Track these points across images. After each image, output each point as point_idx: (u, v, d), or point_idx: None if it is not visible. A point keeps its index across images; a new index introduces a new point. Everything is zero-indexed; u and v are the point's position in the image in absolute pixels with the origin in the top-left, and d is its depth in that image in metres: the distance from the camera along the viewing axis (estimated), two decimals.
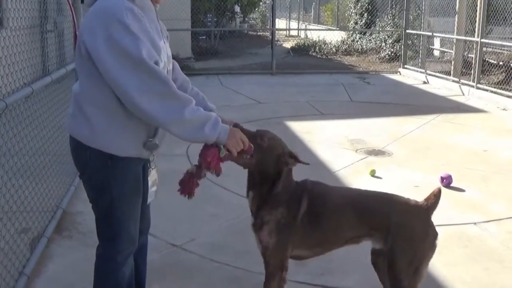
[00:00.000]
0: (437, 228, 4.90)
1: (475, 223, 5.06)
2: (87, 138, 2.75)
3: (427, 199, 3.20)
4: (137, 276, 3.32)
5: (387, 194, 3.31)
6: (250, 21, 27.06)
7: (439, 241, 4.65)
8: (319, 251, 3.27)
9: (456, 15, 13.01)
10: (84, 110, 2.72)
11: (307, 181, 3.23)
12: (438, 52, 15.29)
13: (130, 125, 2.73)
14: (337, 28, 20.97)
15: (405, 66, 14.82)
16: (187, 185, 2.90)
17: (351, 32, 20.06)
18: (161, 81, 2.55)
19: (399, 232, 3.07)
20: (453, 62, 13.09)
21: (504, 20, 11.98)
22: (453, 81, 12.54)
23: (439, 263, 4.30)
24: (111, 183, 2.81)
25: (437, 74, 13.33)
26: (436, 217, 5.11)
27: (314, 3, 27.63)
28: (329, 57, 18.27)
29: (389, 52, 16.76)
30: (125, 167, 2.81)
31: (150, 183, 2.99)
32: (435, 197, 3.19)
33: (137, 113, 2.61)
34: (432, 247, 3.15)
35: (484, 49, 12.08)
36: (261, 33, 27.10)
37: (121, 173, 2.82)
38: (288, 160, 3.02)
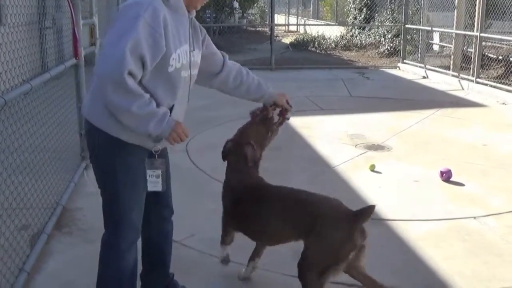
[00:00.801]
0: (436, 222, 4.96)
1: (474, 217, 5.07)
2: (97, 121, 2.91)
3: (360, 211, 3.19)
4: (162, 262, 3.54)
5: (319, 196, 3.38)
6: (249, 17, 27.02)
7: (439, 235, 4.72)
8: (260, 242, 3.77)
9: (455, 10, 13.00)
10: (97, 94, 2.85)
11: (245, 176, 3.63)
12: (438, 46, 15.28)
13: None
14: (336, 23, 20.93)
15: (405, 61, 14.81)
16: None
17: (350, 27, 20.04)
18: (120, 71, 2.62)
19: (320, 235, 3.18)
20: (452, 57, 13.08)
21: (503, 14, 11.98)
22: (453, 75, 12.54)
23: (438, 257, 4.32)
24: (116, 168, 2.96)
25: (437, 68, 13.33)
26: (436, 211, 5.16)
27: None
28: (328, 52, 18.25)
29: (388, 47, 16.74)
30: (130, 153, 2.96)
31: (150, 172, 3.03)
32: (367, 213, 3.17)
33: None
34: (345, 256, 3.18)
35: (484, 43, 12.08)
36: (260, 29, 27.07)
37: (126, 159, 2.96)
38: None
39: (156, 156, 3.02)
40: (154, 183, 3.05)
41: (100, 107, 2.86)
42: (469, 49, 12.88)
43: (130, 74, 2.66)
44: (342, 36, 19.46)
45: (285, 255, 4.25)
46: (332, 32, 19.34)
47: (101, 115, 2.88)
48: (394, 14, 17.31)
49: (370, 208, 3.18)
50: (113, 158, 2.96)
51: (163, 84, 2.86)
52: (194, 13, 3.08)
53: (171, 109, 2.92)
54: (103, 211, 3.13)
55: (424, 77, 13.35)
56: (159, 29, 2.74)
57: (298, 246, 4.38)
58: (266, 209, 3.45)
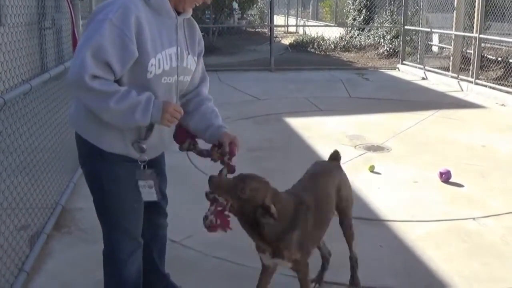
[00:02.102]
0: (436, 223, 4.96)
1: (474, 218, 5.07)
2: (82, 129, 2.85)
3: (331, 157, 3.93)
4: (157, 266, 3.46)
5: (330, 162, 3.90)
6: (248, 18, 27.03)
7: (438, 235, 4.72)
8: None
9: (455, 11, 13.00)
10: (79, 105, 2.81)
11: (299, 195, 3.32)
12: (437, 48, 15.29)
13: (115, 125, 2.75)
14: (336, 25, 20.93)
15: (404, 62, 14.81)
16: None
17: (350, 28, 20.05)
18: (81, 77, 2.52)
19: (346, 183, 3.78)
20: (451, 58, 13.09)
21: (502, 16, 11.99)
22: (452, 77, 12.54)
23: (437, 258, 4.32)
24: (102, 178, 2.88)
25: (436, 70, 13.33)
26: (435, 212, 5.16)
27: (312, 0, 27.62)
28: (327, 53, 18.25)
29: (388, 48, 16.74)
30: (115, 162, 2.85)
31: (142, 182, 2.91)
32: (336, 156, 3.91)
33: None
34: None
35: (483, 45, 12.08)
36: (259, 30, 27.07)
37: (111, 168, 2.86)
38: (264, 215, 2.93)
39: (145, 167, 2.90)
40: (148, 194, 2.94)
41: (81, 115, 2.81)
42: (468, 51, 12.89)
43: (95, 77, 2.55)
44: (342, 37, 19.45)
45: None
46: (332, 33, 19.34)
47: (82, 123, 2.83)
48: (394, 16, 17.32)
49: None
50: (98, 168, 2.87)
51: (141, 91, 2.69)
52: (187, 15, 2.90)
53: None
54: (99, 221, 3.06)
55: (423, 78, 13.35)
56: (129, 33, 2.58)
57: None
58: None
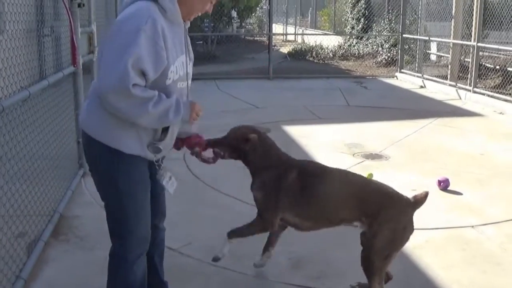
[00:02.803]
0: (434, 231, 4.96)
1: (472, 226, 5.06)
2: (96, 133, 2.91)
3: (415, 197, 3.60)
4: (154, 273, 3.46)
5: (383, 186, 3.69)
6: (247, 26, 27.07)
7: (436, 243, 4.71)
8: (312, 225, 3.70)
9: (453, 20, 13.03)
10: (96, 106, 2.88)
11: (297, 161, 3.76)
12: (435, 56, 15.32)
13: (135, 128, 2.87)
14: (334, 33, 20.97)
15: (402, 70, 14.84)
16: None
17: (348, 37, 20.09)
18: (125, 86, 2.64)
19: (387, 221, 3.46)
20: (449, 66, 13.12)
21: (500, 24, 12.02)
22: (450, 85, 12.56)
23: (436, 266, 4.31)
24: (118, 179, 2.95)
25: (434, 78, 13.35)
26: (434, 220, 5.15)
27: (311, 8, 27.67)
28: (326, 62, 18.28)
29: (386, 57, 16.77)
30: (131, 164, 2.94)
31: (163, 182, 3.15)
32: (422, 199, 3.60)
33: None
34: (406, 240, 3.58)
35: (481, 53, 12.12)
36: (258, 38, 27.11)
37: (126, 170, 2.94)
38: (246, 143, 3.60)
39: (160, 166, 3.09)
40: (171, 184, 3.21)
41: (97, 118, 2.88)
42: (466, 59, 12.92)
43: (135, 85, 2.67)
44: (340, 46, 19.49)
45: (283, 264, 4.26)
46: (330, 41, 19.38)
47: (99, 126, 2.89)
48: (392, 24, 17.36)
49: (425, 194, 3.61)
50: (114, 170, 2.94)
51: None
52: (188, 24, 3.09)
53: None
54: (108, 223, 3.10)
55: (421, 87, 13.37)
56: (160, 41, 2.73)
57: (295, 255, 4.39)
58: (337, 188, 3.63)
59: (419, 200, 3.59)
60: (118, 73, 2.63)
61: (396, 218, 3.51)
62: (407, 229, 3.53)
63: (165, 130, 2.97)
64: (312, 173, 3.64)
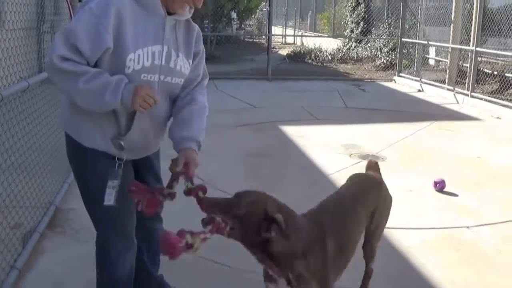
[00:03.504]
0: (430, 231, 4.97)
1: (468, 227, 5.07)
2: (65, 125, 2.88)
3: (375, 170, 3.76)
4: (146, 271, 3.38)
5: (370, 177, 3.65)
6: (246, 28, 27.10)
7: (432, 243, 4.72)
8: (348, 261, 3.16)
9: (452, 24, 13.07)
10: (64, 99, 2.86)
11: (321, 217, 2.96)
12: (433, 61, 15.35)
13: (100, 119, 2.74)
14: (333, 36, 20.99)
15: (400, 74, 14.86)
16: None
17: (347, 40, 20.11)
18: (51, 58, 2.55)
19: (384, 208, 3.53)
20: (448, 71, 13.14)
21: (499, 31, 12.05)
22: (448, 89, 12.58)
23: (431, 265, 4.32)
24: (87, 174, 2.87)
25: (432, 82, 13.38)
26: (429, 220, 5.17)
27: (310, 11, 27.71)
28: (324, 64, 18.29)
29: (385, 61, 16.79)
30: (96, 158, 2.82)
31: (110, 183, 2.78)
32: (376, 166, 3.75)
33: None
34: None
35: (479, 59, 12.14)
36: (257, 40, 27.14)
37: (92, 164, 2.84)
38: (268, 229, 2.51)
39: (121, 166, 2.81)
40: (108, 195, 2.76)
41: (66, 111, 2.84)
42: (464, 64, 12.95)
43: (66, 59, 2.54)
44: (339, 49, 19.52)
45: None
46: (329, 44, 19.40)
47: (67, 119, 2.85)
48: (391, 28, 17.38)
49: (372, 164, 3.75)
50: (82, 164, 2.88)
51: None
52: (182, 17, 2.84)
53: (133, 113, 2.75)
54: (90, 218, 3.04)
55: (419, 91, 13.39)
56: (105, 22, 2.55)
57: None
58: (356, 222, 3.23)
59: (374, 167, 3.76)
60: (52, 46, 2.59)
61: (389, 200, 3.64)
62: (388, 198, 3.64)
63: (128, 123, 2.77)
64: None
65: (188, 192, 2.70)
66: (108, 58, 2.63)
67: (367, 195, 3.42)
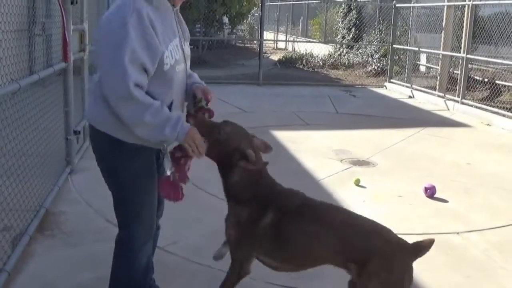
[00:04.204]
0: (420, 236, 4.96)
1: (457, 233, 5.10)
2: (102, 125, 2.93)
3: (417, 245, 3.00)
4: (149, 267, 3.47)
5: (376, 226, 3.07)
6: (238, 33, 27.12)
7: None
8: (288, 267, 3.22)
9: (443, 31, 13.14)
10: (99, 98, 2.88)
11: (283, 192, 3.14)
12: (424, 67, 15.42)
13: None
14: (324, 42, 21.05)
15: (391, 80, 14.93)
16: (171, 188, 3.06)
17: (338, 46, 20.17)
18: (125, 85, 2.63)
19: (379, 271, 2.87)
20: (438, 78, 13.20)
21: (489, 38, 12.12)
22: (438, 96, 12.65)
23: (420, 270, 4.30)
24: (119, 169, 3.00)
25: (423, 89, 13.44)
26: (419, 226, 5.18)
27: (302, 17, 27.77)
28: (315, 70, 18.34)
29: (376, 67, 16.87)
30: (133, 153, 2.95)
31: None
32: (427, 246, 2.99)
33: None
34: None
35: (470, 66, 12.21)
36: (248, 45, 27.17)
37: (129, 159, 2.97)
38: (240, 159, 2.97)
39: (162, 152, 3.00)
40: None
41: (103, 111, 2.87)
42: (455, 71, 13.01)
43: (137, 85, 2.66)
44: (330, 55, 19.56)
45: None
46: (320, 50, 19.44)
47: (105, 119, 2.90)
48: (382, 35, 17.46)
49: (430, 242, 3.00)
50: (119, 161, 2.98)
51: (159, 82, 2.83)
52: (177, 7, 3.07)
53: (170, 104, 2.93)
54: (115, 212, 3.15)
55: (410, 97, 13.45)
56: (148, 31, 2.71)
57: None
58: (313, 237, 3.03)
59: (423, 247, 2.98)
60: (117, 74, 2.64)
61: (390, 268, 2.89)
62: (405, 280, 2.90)
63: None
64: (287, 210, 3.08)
65: (197, 109, 3.07)
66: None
67: (353, 235, 3.01)
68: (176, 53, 2.92)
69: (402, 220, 5.37)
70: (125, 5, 2.72)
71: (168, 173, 2.98)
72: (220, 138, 2.98)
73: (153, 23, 2.76)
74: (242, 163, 2.95)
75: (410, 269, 2.93)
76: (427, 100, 12.83)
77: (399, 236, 3.05)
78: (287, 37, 27.80)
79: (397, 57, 15.52)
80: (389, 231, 3.02)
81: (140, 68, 2.67)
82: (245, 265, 3.16)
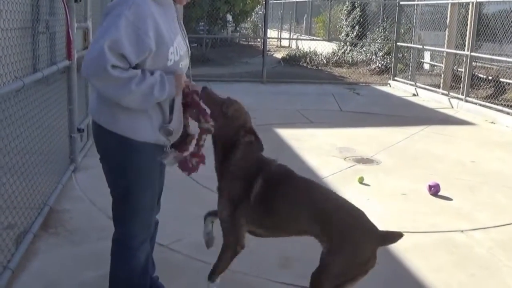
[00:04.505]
0: (424, 234, 4.97)
1: (462, 231, 5.08)
2: (108, 123, 2.92)
3: (386, 234, 3.19)
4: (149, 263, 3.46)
5: (353, 208, 3.23)
6: (241, 31, 27.12)
7: (426, 247, 4.73)
8: (272, 232, 3.37)
9: (447, 29, 13.10)
10: (105, 102, 2.89)
11: (270, 163, 3.29)
12: (428, 65, 15.39)
13: (148, 111, 2.89)
14: (328, 39, 21.02)
15: (395, 78, 14.90)
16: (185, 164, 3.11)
17: (342, 44, 20.15)
18: (102, 66, 2.64)
19: (344, 248, 3.05)
20: (442, 75, 13.17)
21: (493, 36, 12.09)
22: (442, 94, 12.62)
23: (425, 269, 4.32)
24: (127, 168, 2.99)
25: (427, 86, 13.41)
26: (424, 224, 5.17)
27: (306, 15, 27.74)
28: (319, 68, 18.33)
29: (380, 65, 16.84)
30: (142, 152, 2.97)
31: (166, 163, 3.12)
32: (395, 238, 3.17)
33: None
34: (364, 274, 3.10)
35: (474, 63, 12.18)
36: (252, 43, 27.17)
37: (137, 159, 2.97)
38: (245, 135, 3.16)
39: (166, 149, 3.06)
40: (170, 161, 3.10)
41: (107, 108, 2.89)
42: (459, 69, 12.99)
43: (114, 66, 2.66)
44: (334, 53, 19.54)
45: (272, 262, 4.27)
46: (324, 48, 19.42)
47: (110, 117, 2.90)
48: (386, 32, 17.43)
49: (399, 235, 3.15)
50: (125, 159, 2.97)
51: None
52: (183, 4, 3.12)
53: (173, 101, 2.97)
54: (113, 210, 3.14)
55: (414, 95, 13.43)
56: (143, 26, 2.72)
57: (284, 253, 4.40)
58: (298, 196, 3.23)
59: (391, 239, 3.21)
60: (94, 55, 2.65)
61: (357, 249, 3.07)
62: (368, 263, 3.08)
63: (171, 110, 2.98)
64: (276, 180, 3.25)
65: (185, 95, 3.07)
66: (150, 57, 2.80)
67: (329, 211, 3.17)
68: (181, 49, 2.96)
69: (406, 218, 5.36)
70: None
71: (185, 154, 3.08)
72: (227, 115, 3.12)
73: (156, 20, 2.79)
74: (247, 138, 3.14)
75: (374, 254, 3.10)
76: (431, 98, 12.81)
77: (377, 225, 3.18)
78: (291, 35, 27.76)
79: (401, 55, 15.50)
80: (363, 214, 3.19)
81: (119, 56, 2.67)
82: (241, 239, 3.26)
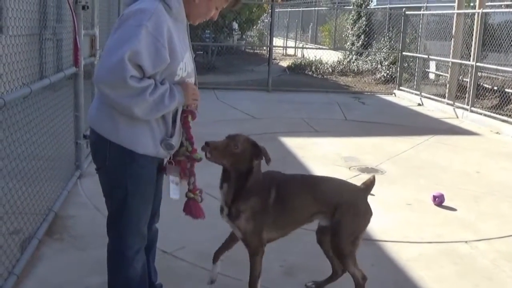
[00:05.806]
0: (428, 245, 4.97)
1: (466, 242, 5.08)
2: (109, 133, 2.89)
3: (366, 184, 3.84)
4: (149, 271, 3.46)
5: (338, 179, 4.01)
6: (247, 39, 27.19)
7: (430, 257, 4.72)
8: (285, 232, 3.76)
9: (452, 39, 13.12)
10: (107, 105, 2.85)
11: (272, 172, 3.70)
12: (434, 75, 15.40)
13: (150, 124, 2.88)
14: (334, 48, 21.06)
15: (400, 88, 14.91)
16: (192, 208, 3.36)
17: (348, 53, 20.18)
18: (123, 77, 2.63)
19: (347, 209, 3.63)
20: (448, 85, 13.18)
21: (499, 47, 12.10)
22: (448, 104, 12.62)
23: (429, 279, 4.32)
24: (127, 180, 2.95)
25: (432, 96, 13.42)
26: (428, 234, 5.17)
27: (311, 24, 27.80)
28: (325, 76, 18.34)
29: (385, 74, 16.85)
30: (142, 165, 2.95)
31: (172, 177, 3.16)
32: (371, 183, 3.83)
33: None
34: (368, 222, 3.79)
35: (479, 74, 12.19)
36: (258, 51, 27.22)
37: (137, 171, 2.95)
38: (256, 158, 3.45)
39: (173, 164, 3.11)
40: (174, 190, 3.17)
41: (108, 117, 2.86)
42: (464, 79, 13.00)
43: (132, 77, 2.66)
44: (339, 62, 19.58)
45: (275, 271, 4.27)
46: (330, 57, 19.46)
47: (111, 126, 2.87)
48: (392, 42, 17.46)
49: (372, 179, 3.83)
50: (124, 171, 2.93)
51: None
52: (195, 23, 3.16)
53: (176, 113, 2.98)
54: (109, 220, 3.10)
55: (419, 104, 13.44)
56: (161, 39, 2.72)
57: (288, 262, 4.40)
58: (303, 188, 3.74)
59: (370, 185, 3.83)
60: (113, 64, 2.63)
61: (356, 204, 3.71)
62: (367, 212, 3.75)
63: (173, 124, 2.98)
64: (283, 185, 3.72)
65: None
66: (162, 70, 2.81)
67: (328, 190, 3.77)
68: (189, 65, 2.98)
69: (411, 228, 5.36)
70: (147, 8, 2.75)
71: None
72: (238, 151, 3.39)
73: (171, 34, 2.80)
74: (259, 159, 3.45)
75: (367, 203, 3.79)
76: (436, 108, 12.81)
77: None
78: (297, 43, 27.81)
79: (406, 64, 15.52)
80: (346, 182, 4.10)
81: (137, 67, 2.67)
82: (264, 242, 3.60)
